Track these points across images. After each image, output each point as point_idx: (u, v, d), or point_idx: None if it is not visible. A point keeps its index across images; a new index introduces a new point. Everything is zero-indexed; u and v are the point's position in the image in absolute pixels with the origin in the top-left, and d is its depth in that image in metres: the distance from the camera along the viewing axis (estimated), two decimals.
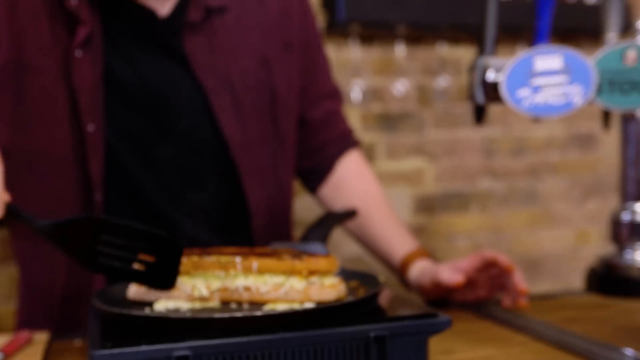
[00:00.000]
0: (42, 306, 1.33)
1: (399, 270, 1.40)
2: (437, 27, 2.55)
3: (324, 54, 1.53)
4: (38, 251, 1.31)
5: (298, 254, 0.99)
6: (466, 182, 2.75)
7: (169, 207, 1.30)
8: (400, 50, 2.58)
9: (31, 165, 1.26)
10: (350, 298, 0.97)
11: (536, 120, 1.26)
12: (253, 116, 1.35)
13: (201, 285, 0.97)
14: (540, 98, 1.25)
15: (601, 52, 1.31)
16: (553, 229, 2.91)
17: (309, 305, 0.93)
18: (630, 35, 1.45)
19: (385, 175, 2.57)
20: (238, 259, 0.96)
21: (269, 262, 0.96)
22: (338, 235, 1.53)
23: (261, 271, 0.96)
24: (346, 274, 1.06)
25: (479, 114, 1.38)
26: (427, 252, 1.40)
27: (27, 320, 1.36)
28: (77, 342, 1.15)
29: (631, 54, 1.28)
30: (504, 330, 1.18)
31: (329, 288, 0.95)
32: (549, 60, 1.26)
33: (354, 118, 2.52)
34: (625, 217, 1.43)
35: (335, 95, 1.54)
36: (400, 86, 2.58)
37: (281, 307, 0.94)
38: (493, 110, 1.48)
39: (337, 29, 2.42)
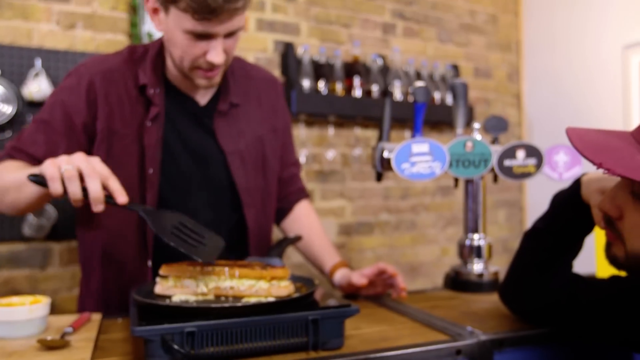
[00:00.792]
0: (97, 297, 1.31)
1: (328, 275, 1.38)
2: (353, 117, 2.56)
3: (292, 137, 1.53)
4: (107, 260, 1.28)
5: (264, 266, 1.00)
6: (371, 216, 2.76)
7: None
8: (330, 131, 2.61)
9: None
10: (297, 294, 0.97)
11: (413, 181, 1.29)
12: (252, 171, 1.34)
13: (202, 285, 0.97)
14: (415, 169, 1.28)
15: (451, 142, 1.33)
16: (426, 246, 2.93)
17: (271, 299, 0.94)
18: (470, 129, 1.47)
19: (320, 211, 2.59)
20: (226, 269, 0.98)
21: (246, 270, 0.97)
22: (291, 251, 1.53)
23: (241, 276, 0.97)
24: (294, 278, 1.06)
25: (379, 177, 1.42)
26: (346, 263, 1.38)
27: (84, 305, 1.32)
28: (121, 322, 1.13)
29: (469, 144, 1.32)
30: (392, 314, 1.17)
31: (283, 288, 0.96)
32: (420, 146, 1.28)
33: (301, 174, 2.56)
34: (466, 242, 1.45)
35: (297, 164, 1.54)
36: (330, 154, 2.60)
37: (253, 300, 0.94)
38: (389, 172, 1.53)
39: (291, 117, 2.45)
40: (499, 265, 1.47)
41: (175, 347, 0.81)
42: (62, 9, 2.00)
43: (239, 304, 0.90)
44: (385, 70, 2.67)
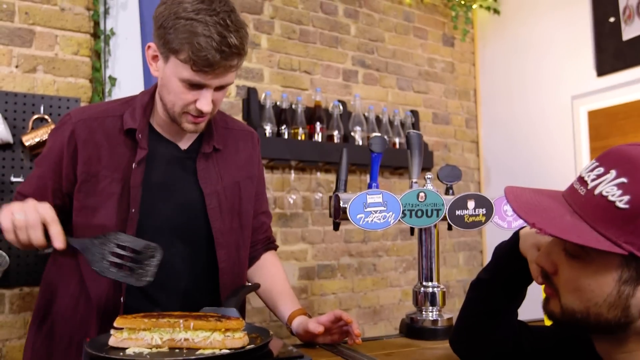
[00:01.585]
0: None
1: (287, 323, 1.40)
2: (315, 162, 2.62)
3: (265, 187, 1.60)
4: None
5: (219, 317, 1.03)
6: (333, 259, 2.79)
7: (166, 258, 1.27)
8: (292, 175, 2.65)
9: (90, 217, 1.28)
10: (251, 345, 0.99)
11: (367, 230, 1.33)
12: (227, 214, 1.38)
13: (157, 337, 0.98)
14: (370, 219, 1.33)
15: (405, 193, 1.39)
16: (387, 290, 2.96)
17: (225, 351, 0.96)
18: (425, 174, 1.52)
19: (281, 254, 2.61)
20: (181, 321, 0.99)
21: (200, 322, 0.99)
22: (252, 296, 1.53)
23: (195, 328, 0.99)
24: (249, 329, 1.08)
25: (336, 226, 1.47)
26: (305, 311, 1.41)
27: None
28: None
29: (422, 195, 1.39)
30: None
31: (238, 339, 0.98)
32: (375, 197, 1.34)
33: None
34: (421, 289, 1.49)
35: (268, 214, 1.60)
36: (292, 197, 2.65)
37: (207, 352, 0.96)
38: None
39: None
40: (459, 307, 1.52)
41: None
42: (22, 52, 2.02)
43: (193, 357, 0.92)
44: (346, 115, 2.76)
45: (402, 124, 2.97)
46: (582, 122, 2.81)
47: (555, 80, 2.96)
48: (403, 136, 2.90)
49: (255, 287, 1.39)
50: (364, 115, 2.80)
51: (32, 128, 1.98)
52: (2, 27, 1.98)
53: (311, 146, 2.56)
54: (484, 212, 1.45)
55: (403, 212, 1.38)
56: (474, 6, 3.37)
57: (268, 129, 2.48)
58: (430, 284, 1.50)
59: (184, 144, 1.38)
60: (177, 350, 0.98)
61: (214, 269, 1.37)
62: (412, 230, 1.53)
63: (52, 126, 1.95)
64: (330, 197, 1.46)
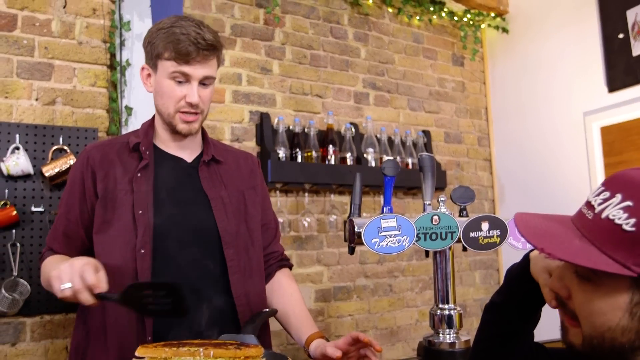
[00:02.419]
0: None
1: (305, 346, 1.43)
2: (328, 185, 2.65)
3: (270, 203, 1.68)
4: None
5: (238, 345, 1.05)
6: (349, 281, 2.80)
7: (180, 258, 1.40)
8: (306, 198, 2.68)
9: (109, 230, 1.39)
10: None
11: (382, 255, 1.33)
12: (232, 216, 1.47)
13: None
14: (384, 243, 1.34)
15: (419, 217, 1.39)
16: (404, 310, 2.96)
17: None
18: (447, 194, 1.50)
19: (297, 277, 2.63)
20: (201, 350, 1.01)
21: (220, 350, 1.01)
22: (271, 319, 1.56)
23: (215, 356, 1.00)
24: (268, 356, 1.09)
25: (351, 250, 1.47)
26: (322, 334, 1.43)
27: None
28: None
29: (435, 218, 1.41)
30: None
31: None
32: (389, 221, 1.35)
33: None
34: (437, 312, 1.48)
35: (277, 229, 1.67)
36: (306, 220, 2.67)
37: None
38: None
39: (267, 186, 2.49)
40: (476, 327, 1.51)
41: None
42: (42, 85, 2.08)
43: None
44: (358, 138, 2.78)
45: (415, 145, 2.99)
46: (595, 138, 2.81)
47: (567, 97, 2.97)
48: (416, 157, 2.92)
49: (273, 312, 1.41)
50: (376, 136, 2.83)
51: (52, 159, 2.03)
52: (22, 62, 2.05)
53: (324, 169, 2.59)
54: (499, 233, 1.46)
55: (417, 236, 1.39)
56: (483, 25, 3.41)
57: (281, 153, 2.51)
58: (446, 306, 1.50)
59: (188, 158, 1.51)
60: None
61: (224, 269, 1.44)
62: (427, 252, 1.53)
63: (72, 156, 2.01)
64: (345, 221, 1.48)
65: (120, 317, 1.33)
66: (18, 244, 1.96)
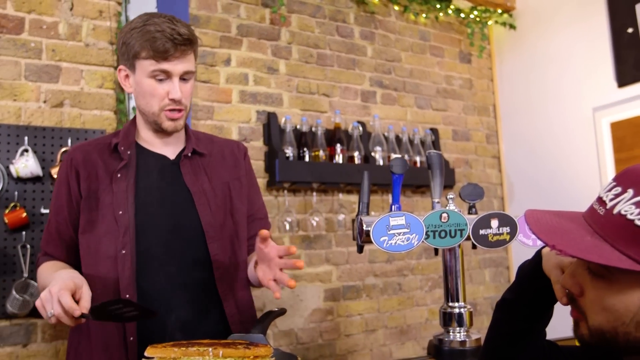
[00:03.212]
0: None
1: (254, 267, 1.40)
2: (336, 184, 2.64)
3: (260, 193, 1.65)
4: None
5: (247, 345, 1.05)
6: (358, 280, 2.79)
7: (163, 256, 1.39)
8: (314, 198, 2.68)
9: (93, 230, 1.39)
10: None
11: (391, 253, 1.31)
12: (216, 210, 1.46)
13: None
14: (393, 241, 1.33)
15: (428, 214, 1.38)
16: (413, 309, 2.95)
17: None
18: (456, 191, 1.50)
19: (306, 276, 2.63)
20: (210, 349, 1.01)
21: (229, 350, 1.01)
22: (277, 320, 1.55)
23: (224, 356, 1.00)
24: (277, 355, 1.09)
25: (360, 249, 1.47)
26: None
27: None
28: None
29: (444, 215, 1.40)
30: None
31: None
32: (397, 219, 1.34)
33: (286, 240, 2.61)
34: (447, 310, 1.48)
35: (266, 221, 1.64)
36: (315, 219, 2.67)
37: None
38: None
39: (275, 185, 2.50)
40: (488, 325, 1.50)
41: None
42: (50, 87, 2.09)
43: None
44: (366, 136, 2.77)
45: (422, 143, 2.98)
46: (605, 134, 2.78)
47: (576, 93, 2.94)
48: (423, 155, 2.91)
49: (282, 312, 1.40)
50: (383, 135, 2.81)
51: (61, 160, 2.04)
52: (30, 65, 2.06)
53: (332, 168, 2.58)
54: (508, 230, 1.45)
55: (426, 234, 1.38)
56: (490, 22, 3.38)
57: (289, 152, 2.51)
58: (456, 304, 1.49)
59: (171, 155, 1.49)
60: None
61: (208, 264, 1.43)
62: (435, 250, 1.52)
63: None
64: (354, 220, 1.47)
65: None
66: (28, 246, 1.96)
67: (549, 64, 3.11)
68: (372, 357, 2.75)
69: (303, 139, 2.58)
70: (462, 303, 1.50)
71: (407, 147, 2.88)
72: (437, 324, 2.96)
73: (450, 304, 1.50)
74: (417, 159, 2.88)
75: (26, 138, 2.01)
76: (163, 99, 1.39)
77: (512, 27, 3.32)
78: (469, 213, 1.53)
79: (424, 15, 3.18)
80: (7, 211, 1.93)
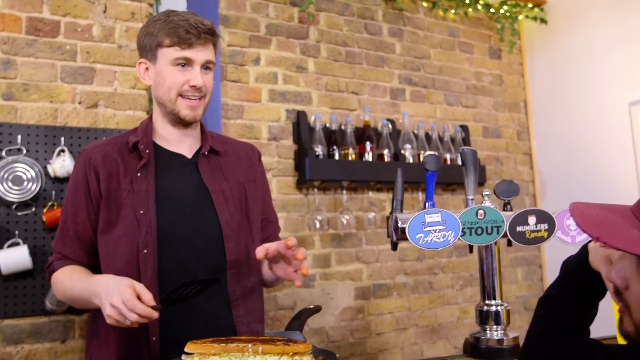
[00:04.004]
0: None
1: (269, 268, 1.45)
2: (366, 182, 2.63)
3: (271, 197, 1.67)
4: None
5: (287, 341, 1.05)
6: (388, 278, 2.78)
7: (184, 256, 1.40)
8: (344, 196, 2.67)
9: (113, 230, 1.39)
10: None
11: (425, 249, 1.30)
12: (234, 209, 1.47)
13: None
14: (429, 238, 1.32)
15: (464, 211, 1.37)
16: (445, 308, 2.92)
17: None
18: (481, 195, 1.48)
19: (336, 275, 2.63)
20: (249, 345, 1.02)
21: (268, 346, 1.01)
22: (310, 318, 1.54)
23: (264, 352, 1.01)
24: (315, 351, 1.09)
25: (394, 246, 1.46)
26: None
27: None
28: None
29: (480, 212, 1.38)
30: None
31: None
32: (433, 216, 1.33)
33: (316, 238, 2.61)
34: (484, 308, 1.46)
35: (276, 225, 1.65)
36: (345, 218, 2.66)
37: None
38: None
39: (305, 184, 2.51)
40: (521, 325, 1.48)
41: None
42: (85, 89, 2.13)
43: None
44: (395, 134, 2.76)
45: (452, 140, 2.95)
46: None
47: (610, 87, 2.88)
48: (454, 152, 2.88)
49: (317, 309, 1.40)
50: (413, 132, 2.80)
51: None
52: (66, 67, 2.10)
53: (362, 166, 2.58)
54: (546, 227, 1.42)
55: (462, 231, 1.36)
56: (520, 17, 3.33)
57: (319, 151, 2.51)
58: (493, 302, 1.47)
59: (188, 153, 1.49)
60: None
61: (221, 260, 1.43)
62: (470, 247, 1.50)
63: None
64: (388, 217, 1.46)
65: None
66: None
67: (582, 59, 3.04)
68: (403, 356, 2.74)
69: (332, 137, 2.58)
70: (499, 301, 1.48)
71: (437, 144, 2.85)
72: (468, 322, 2.93)
73: (487, 301, 1.48)
74: (447, 156, 2.86)
75: (62, 138, 2.05)
76: (183, 85, 1.39)
77: (543, 21, 3.26)
78: (504, 210, 1.51)
79: (452, 11, 3.15)
80: (45, 210, 1.98)
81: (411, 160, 2.71)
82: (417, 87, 3.00)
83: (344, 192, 2.65)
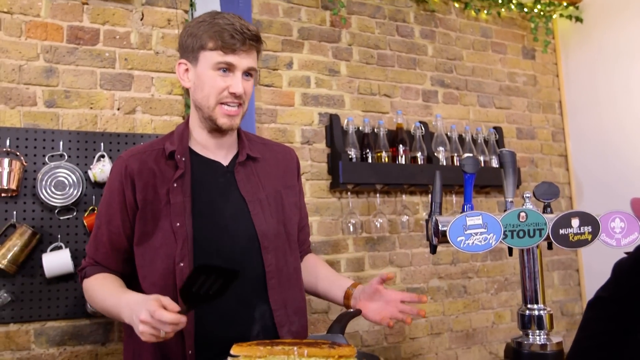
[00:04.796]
0: None
1: (344, 299, 1.52)
2: (400, 185, 2.63)
3: (305, 204, 1.68)
4: None
5: (331, 344, 1.05)
6: (422, 282, 2.77)
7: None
8: (377, 199, 2.67)
9: (149, 241, 1.39)
10: None
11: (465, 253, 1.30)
12: (271, 218, 1.46)
13: None
14: (470, 241, 1.31)
15: (505, 214, 1.35)
16: (479, 312, 2.90)
17: None
18: (521, 197, 1.46)
19: (370, 278, 2.60)
20: (295, 348, 1.03)
21: (314, 349, 1.02)
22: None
23: (309, 355, 1.01)
24: (360, 355, 1.09)
25: (434, 249, 1.45)
26: (360, 283, 1.55)
27: None
28: None
29: (522, 215, 1.36)
30: None
31: None
32: (474, 219, 1.31)
33: (350, 242, 2.61)
34: (526, 312, 1.42)
35: (307, 231, 1.69)
36: (378, 221, 2.65)
37: None
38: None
39: (339, 187, 2.51)
40: (558, 330, 1.46)
41: None
42: (123, 95, 2.18)
43: None
44: (428, 136, 2.75)
45: (486, 142, 2.92)
46: None
47: None
48: (487, 154, 2.85)
49: (358, 312, 1.40)
50: (446, 135, 2.78)
51: None
52: (105, 74, 2.15)
53: (395, 169, 2.57)
54: (590, 230, 1.39)
55: (504, 233, 1.35)
56: (554, 16, 3.29)
57: (352, 154, 2.51)
58: (535, 306, 1.45)
59: (225, 161, 1.48)
60: None
61: (263, 275, 1.42)
62: (510, 250, 1.49)
63: None
64: (427, 220, 1.45)
65: None
66: None
67: (620, 58, 2.99)
68: None
69: (365, 140, 2.58)
70: (542, 305, 1.46)
71: (470, 146, 2.83)
72: (504, 327, 2.90)
73: (529, 305, 1.46)
74: (481, 158, 2.83)
75: (102, 144, 2.10)
76: (222, 91, 1.37)
77: (578, 19, 3.21)
78: (544, 212, 1.49)
79: (485, 11, 3.13)
80: (86, 214, 2.02)
81: (444, 163, 2.69)
82: (449, 89, 2.99)
83: (377, 195, 2.65)
